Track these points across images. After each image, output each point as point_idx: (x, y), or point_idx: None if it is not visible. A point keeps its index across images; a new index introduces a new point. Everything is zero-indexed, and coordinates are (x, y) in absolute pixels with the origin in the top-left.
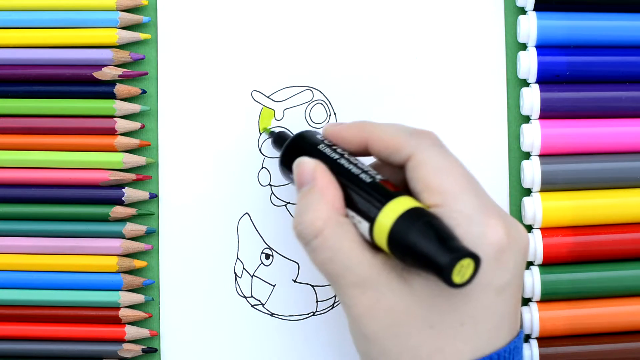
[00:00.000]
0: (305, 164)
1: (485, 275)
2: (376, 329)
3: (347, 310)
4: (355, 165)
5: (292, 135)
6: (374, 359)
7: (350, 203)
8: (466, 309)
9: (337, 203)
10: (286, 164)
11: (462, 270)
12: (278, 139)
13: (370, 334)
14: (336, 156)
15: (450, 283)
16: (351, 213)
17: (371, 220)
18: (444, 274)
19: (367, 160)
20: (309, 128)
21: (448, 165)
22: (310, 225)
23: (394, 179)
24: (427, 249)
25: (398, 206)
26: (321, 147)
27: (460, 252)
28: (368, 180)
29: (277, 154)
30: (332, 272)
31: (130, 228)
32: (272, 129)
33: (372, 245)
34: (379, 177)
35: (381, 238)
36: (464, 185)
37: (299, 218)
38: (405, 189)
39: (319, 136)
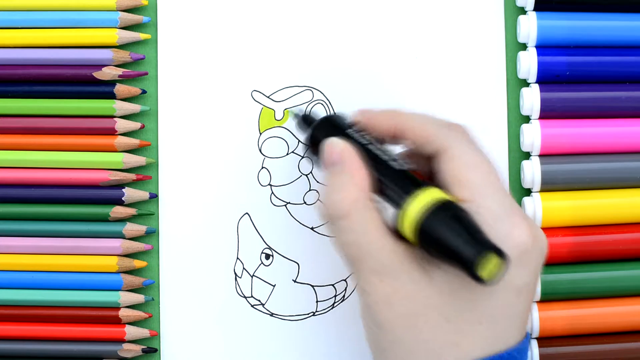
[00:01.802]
0: (335, 145)
1: (508, 274)
2: (391, 317)
3: (363, 296)
4: (384, 152)
5: (318, 117)
6: (384, 348)
7: (377, 188)
8: (485, 306)
9: (365, 186)
10: (312, 146)
11: (489, 267)
12: (304, 120)
13: (385, 322)
14: (365, 141)
15: (476, 277)
16: (377, 198)
17: (399, 207)
18: (470, 268)
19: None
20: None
21: (479, 161)
22: (338, 205)
23: (419, 170)
24: (455, 241)
25: (427, 197)
26: (350, 131)
27: (488, 246)
28: (397, 168)
29: (279, 153)
30: (353, 256)
31: (130, 228)
32: (296, 112)
33: (396, 233)
34: (407, 165)
35: (408, 227)
36: (493, 183)
37: (328, 197)
38: (430, 180)
39: (347, 120)
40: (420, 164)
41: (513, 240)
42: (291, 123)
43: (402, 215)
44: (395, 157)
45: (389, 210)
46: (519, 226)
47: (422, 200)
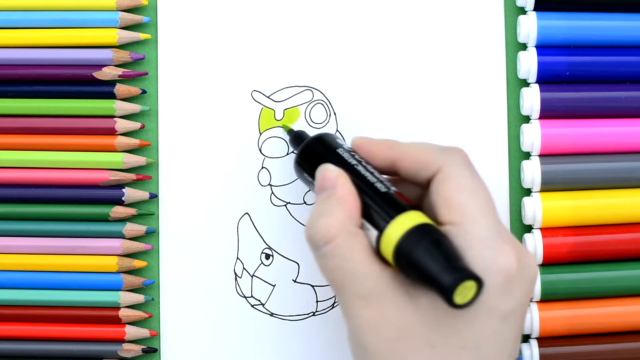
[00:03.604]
0: (329, 171)
1: (492, 301)
2: (376, 342)
3: (348, 320)
4: (372, 174)
5: (310, 136)
6: None
7: (362, 211)
8: (470, 332)
9: (353, 213)
10: (301, 164)
11: (465, 291)
12: (296, 138)
13: (369, 347)
14: (354, 162)
15: (452, 303)
16: (367, 225)
17: (380, 230)
18: (446, 294)
19: None
20: (310, 129)
21: (473, 186)
22: (324, 231)
23: (408, 196)
24: (432, 267)
25: (408, 220)
26: (339, 151)
27: (464, 273)
28: (382, 190)
29: (279, 153)
30: (338, 281)
31: (130, 228)
32: (291, 127)
33: (382, 258)
34: (393, 188)
35: (387, 250)
36: (484, 209)
37: (313, 222)
38: (418, 206)
39: (338, 140)
40: (408, 189)
41: (498, 267)
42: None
43: (382, 238)
44: (381, 179)
45: (372, 231)
46: (505, 252)
47: (402, 223)
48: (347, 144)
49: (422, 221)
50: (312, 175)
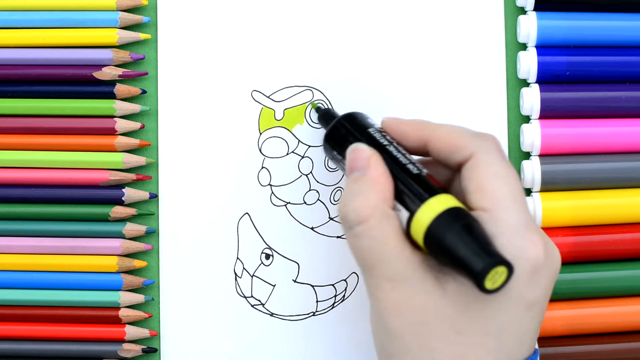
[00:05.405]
0: (362, 151)
1: (519, 289)
2: (400, 325)
3: (374, 302)
4: (404, 155)
5: (339, 114)
6: (391, 354)
7: (394, 192)
8: (495, 319)
9: (387, 195)
10: (331, 143)
11: (495, 277)
12: (325, 116)
13: (394, 329)
14: (385, 142)
15: (482, 288)
16: (398, 206)
17: (411, 212)
18: (477, 278)
19: None
20: (310, 129)
21: (506, 173)
22: (357, 210)
23: (437, 178)
24: (463, 251)
25: (439, 203)
26: (371, 130)
27: (496, 258)
28: (414, 172)
29: (279, 153)
30: (368, 262)
31: (130, 228)
32: (319, 105)
33: (413, 242)
34: (425, 170)
35: (418, 232)
36: (516, 196)
37: (347, 201)
38: (448, 190)
39: (369, 120)
40: (437, 170)
41: (527, 255)
42: (313, 114)
43: (413, 220)
44: (413, 161)
45: (404, 213)
46: (535, 242)
47: (434, 206)
48: (377, 123)
49: (453, 204)
50: (342, 154)
